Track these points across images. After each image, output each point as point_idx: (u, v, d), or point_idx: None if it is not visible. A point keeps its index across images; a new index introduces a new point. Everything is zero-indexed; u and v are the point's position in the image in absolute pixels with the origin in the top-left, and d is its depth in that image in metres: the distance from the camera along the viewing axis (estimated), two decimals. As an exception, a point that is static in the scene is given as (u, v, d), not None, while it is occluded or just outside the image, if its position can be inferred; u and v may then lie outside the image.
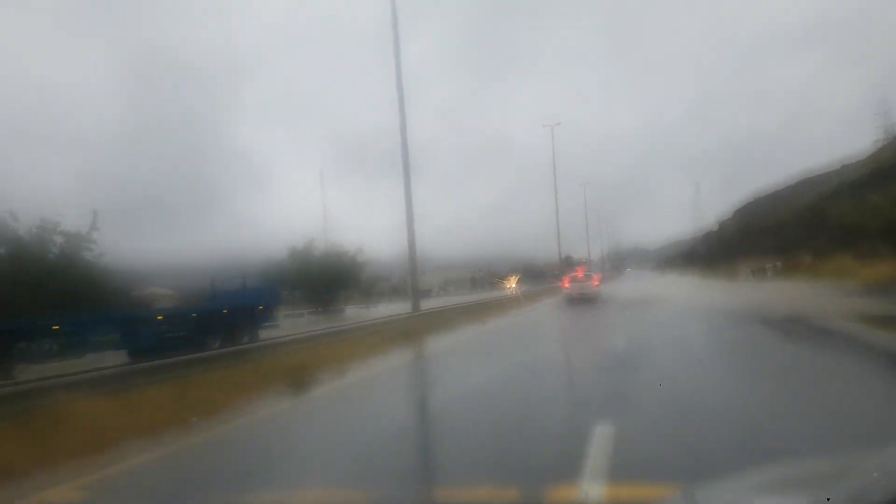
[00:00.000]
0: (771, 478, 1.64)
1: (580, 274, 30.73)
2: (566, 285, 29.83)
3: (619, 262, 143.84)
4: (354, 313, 32.10)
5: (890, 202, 26.86)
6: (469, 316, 21.23)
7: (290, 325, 24.27)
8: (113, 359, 12.72)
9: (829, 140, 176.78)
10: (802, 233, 38.38)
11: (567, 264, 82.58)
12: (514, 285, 65.77)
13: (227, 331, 15.74)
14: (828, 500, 1.03)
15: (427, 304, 32.33)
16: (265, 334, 16.54)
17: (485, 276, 70.39)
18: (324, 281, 30.69)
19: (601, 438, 4.85)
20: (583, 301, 26.63)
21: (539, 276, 71.87)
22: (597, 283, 29.99)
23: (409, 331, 16.44)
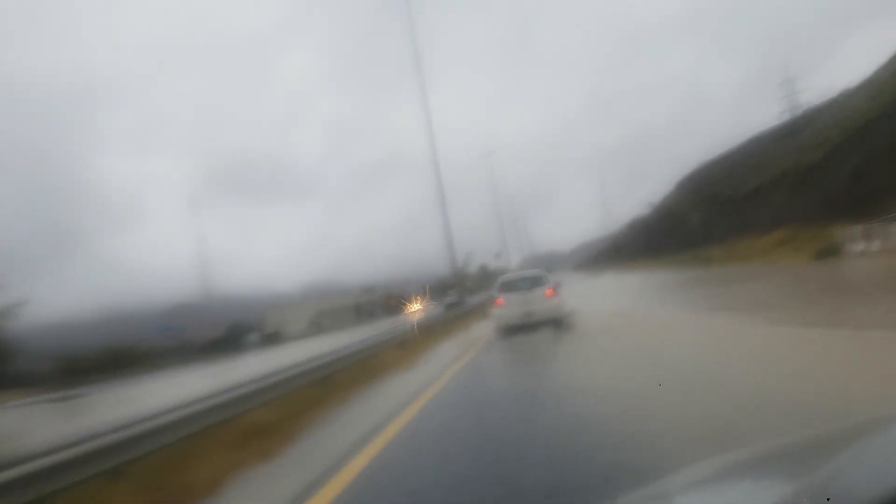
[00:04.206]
0: (745, 460, 1.44)
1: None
2: (499, 303, 15.85)
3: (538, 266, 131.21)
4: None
5: None
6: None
7: None
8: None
9: (727, 121, 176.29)
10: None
11: (484, 275, 68.39)
12: (418, 309, 48.44)
13: None
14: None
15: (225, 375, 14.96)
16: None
17: (378, 299, 52.95)
18: None
19: None
20: (531, 331, 15.20)
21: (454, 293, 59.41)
22: (551, 292, 16.10)
23: None
